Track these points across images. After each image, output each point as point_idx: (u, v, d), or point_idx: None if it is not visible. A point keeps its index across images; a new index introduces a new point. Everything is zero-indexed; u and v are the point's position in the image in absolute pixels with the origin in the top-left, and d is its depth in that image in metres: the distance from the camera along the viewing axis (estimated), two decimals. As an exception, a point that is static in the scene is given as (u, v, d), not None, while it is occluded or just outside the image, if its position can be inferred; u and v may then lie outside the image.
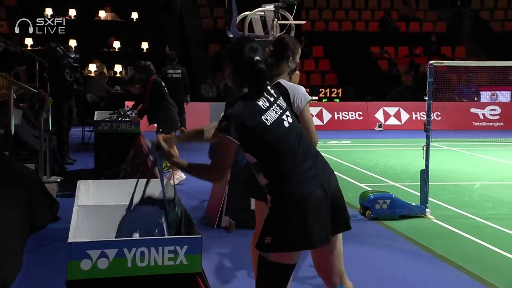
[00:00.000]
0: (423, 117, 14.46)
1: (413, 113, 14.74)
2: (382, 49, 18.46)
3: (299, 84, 3.41)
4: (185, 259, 2.40)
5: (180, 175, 7.60)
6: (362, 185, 7.57)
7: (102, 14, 16.53)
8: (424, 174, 6.01)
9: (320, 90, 15.53)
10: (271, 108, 2.56)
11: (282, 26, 5.51)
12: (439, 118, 14.23)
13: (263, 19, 5.61)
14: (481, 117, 14.87)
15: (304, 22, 6.76)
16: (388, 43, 18.67)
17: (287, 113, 2.62)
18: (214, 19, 18.92)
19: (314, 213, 2.48)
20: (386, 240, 5.23)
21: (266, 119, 2.51)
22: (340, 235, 2.69)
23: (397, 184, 7.77)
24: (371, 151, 11.06)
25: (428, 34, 19.19)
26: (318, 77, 17.20)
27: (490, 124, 14.73)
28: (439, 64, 6.29)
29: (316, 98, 15.53)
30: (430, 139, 6.07)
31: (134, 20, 17.13)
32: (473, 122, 14.72)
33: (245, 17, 5.56)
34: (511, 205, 6.67)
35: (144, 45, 16.38)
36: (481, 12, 20.58)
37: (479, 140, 11.57)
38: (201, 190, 7.10)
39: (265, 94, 2.58)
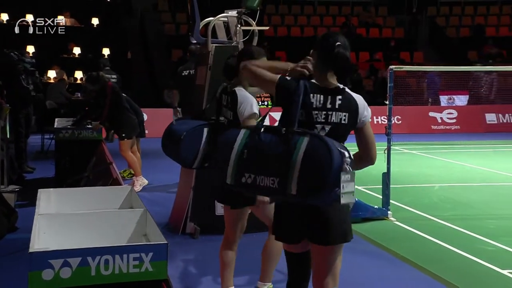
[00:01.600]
0: (384, 121, 14.72)
1: (374, 117, 14.99)
2: (343, 55, 18.71)
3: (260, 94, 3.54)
4: (151, 266, 2.38)
5: (143, 181, 7.53)
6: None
7: (61, 19, 16.22)
8: (386, 177, 6.12)
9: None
10: None
11: (245, 32, 5.53)
12: (400, 122, 14.52)
13: (226, 25, 5.62)
14: (439, 121, 15.24)
15: (267, 28, 6.79)
16: (350, 48, 18.94)
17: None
18: (177, 25, 18.83)
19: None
20: (349, 243, 5.28)
21: None
22: (331, 249, 2.65)
23: (359, 187, 7.88)
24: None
25: (387, 39, 19.58)
26: (280, 82, 17.30)
27: (448, 127, 15.12)
28: (399, 69, 6.43)
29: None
30: (391, 142, 6.19)
31: (95, 26, 16.89)
32: (432, 126, 15.08)
33: (208, 23, 5.56)
34: (467, 206, 6.86)
35: (105, 51, 16.17)
36: (437, 19, 21.14)
37: (438, 143, 11.87)
38: (165, 196, 7.05)
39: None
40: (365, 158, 2.76)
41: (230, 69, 3.58)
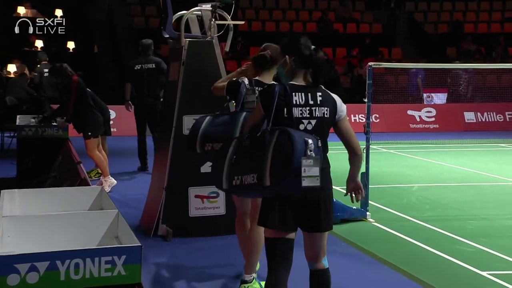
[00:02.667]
0: (362, 119, 14.89)
1: (352, 115, 15.13)
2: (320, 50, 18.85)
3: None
4: (123, 270, 2.38)
5: (111, 181, 7.48)
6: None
7: (21, 10, 15.94)
8: (365, 177, 6.19)
9: (258, 92, 15.67)
10: None
11: (220, 27, 5.54)
12: (378, 120, 14.70)
13: (200, 19, 5.62)
14: (418, 119, 15.48)
15: (242, 22, 6.82)
16: (326, 44, 19.09)
17: None
18: (146, 18, 18.69)
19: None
20: (327, 245, 5.35)
21: None
22: (322, 234, 3.24)
23: (337, 188, 7.92)
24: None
25: (365, 35, 19.79)
26: (255, 79, 17.34)
27: (426, 126, 15.37)
28: (377, 66, 6.52)
29: (254, 100, 15.64)
30: (370, 141, 6.27)
31: (58, 17, 16.63)
32: (410, 124, 15.30)
33: (181, 17, 5.55)
34: (446, 206, 6.99)
35: (70, 45, 15.95)
36: (415, 14, 21.44)
37: (416, 142, 12.05)
38: (135, 197, 7.02)
39: None
40: (352, 151, 3.25)
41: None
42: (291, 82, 3.16)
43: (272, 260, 3.11)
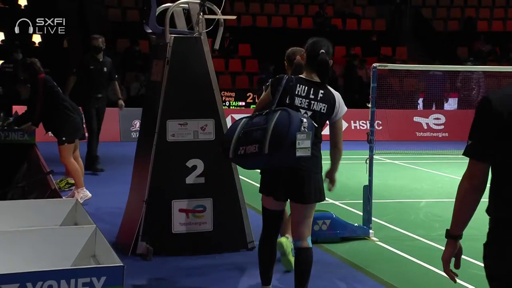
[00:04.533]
0: (363, 126, 14.99)
1: (352, 121, 15.19)
2: (317, 49, 18.94)
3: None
4: (104, 293, 2.38)
5: (85, 194, 7.46)
6: (297, 203, 7.74)
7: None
8: (368, 191, 6.23)
9: (248, 94, 15.74)
10: None
11: (209, 21, 5.56)
12: (380, 127, 14.78)
13: (187, 13, 5.64)
14: (425, 127, 15.58)
15: (234, 17, 6.85)
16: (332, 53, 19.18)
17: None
18: (123, 10, 18.71)
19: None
20: (326, 265, 5.38)
21: None
22: (305, 207, 4.16)
23: (336, 202, 8.00)
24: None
25: (367, 32, 19.92)
26: (245, 80, 17.42)
27: (435, 134, 15.47)
28: (383, 67, 6.57)
29: (243, 103, 15.69)
30: (374, 151, 6.31)
31: (22, 7, 16.55)
32: (417, 132, 15.40)
33: (166, 10, 5.56)
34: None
35: (36, 38, 15.88)
36: (422, 10, 21.63)
37: (424, 153, 12.14)
38: (112, 211, 7.00)
39: None
40: (334, 144, 4.23)
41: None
42: (300, 76, 4.17)
43: (264, 223, 4.35)
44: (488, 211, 2.50)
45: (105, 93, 9.73)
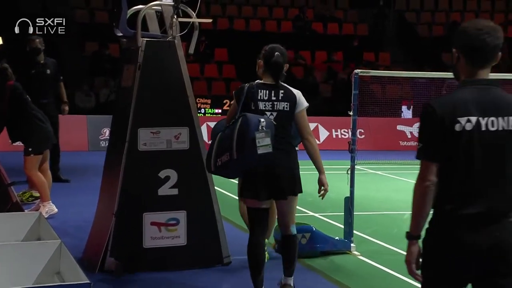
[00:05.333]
0: (345, 135, 15.08)
1: (333, 130, 15.29)
2: (297, 54, 19.07)
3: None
4: (69, 313, 2.36)
5: (51, 208, 7.38)
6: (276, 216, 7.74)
7: None
8: (349, 203, 6.26)
9: (224, 101, 15.74)
10: None
11: (183, 25, 5.56)
12: (363, 136, 14.88)
13: (160, 16, 5.64)
14: (409, 136, 15.71)
15: (209, 20, 6.87)
16: (304, 46, 19.32)
17: None
18: (91, 11, 18.63)
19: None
20: (306, 281, 5.39)
21: None
22: (287, 201, 4.72)
23: (316, 215, 8.02)
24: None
25: (348, 37, 20.09)
26: (221, 86, 17.43)
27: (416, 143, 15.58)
28: (365, 74, 6.63)
29: (220, 110, 15.69)
30: (356, 161, 6.35)
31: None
32: (400, 142, 15.52)
33: (137, 12, 5.55)
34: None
35: (-1, 40, 15.70)
36: (406, 14, 21.88)
37: (408, 163, 12.20)
38: (78, 224, 6.95)
39: None
40: (306, 139, 4.73)
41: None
42: (260, 81, 4.73)
43: (251, 223, 4.82)
44: (432, 205, 2.86)
45: (52, 98, 9.28)
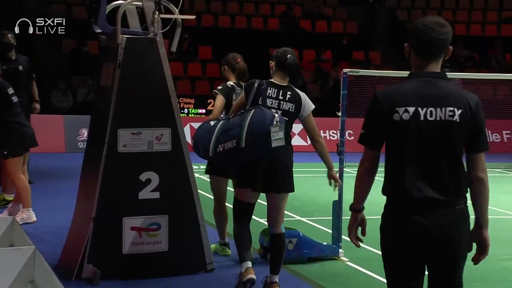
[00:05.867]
0: (334, 136, 15.13)
1: (322, 131, 15.30)
2: (284, 52, 19.10)
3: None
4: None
5: (29, 216, 7.34)
6: (261, 220, 7.74)
7: None
8: (337, 207, 6.27)
9: (209, 101, 15.73)
10: None
11: (166, 21, 5.55)
12: (352, 137, 14.91)
13: (141, 11, 5.62)
14: (400, 137, 15.76)
15: (193, 17, 6.86)
16: (291, 44, 19.30)
17: None
18: (68, 6, 18.56)
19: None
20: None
21: None
22: (279, 196, 5.13)
23: (304, 219, 8.03)
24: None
25: (338, 35, 20.16)
26: (205, 85, 17.41)
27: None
28: (354, 73, 6.65)
29: (204, 111, 15.67)
30: (344, 163, 6.36)
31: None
32: (390, 143, 15.56)
33: (117, 8, 5.54)
34: (436, 243, 7.13)
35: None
36: (397, 12, 22.00)
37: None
38: (54, 230, 6.91)
39: None
40: (315, 140, 5.26)
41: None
42: (270, 80, 5.18)
43: (238, 215, 5.23)
44: (382, 191, 3.29)
45: (26, 96, 9.13)
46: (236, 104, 5.26)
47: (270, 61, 5.25)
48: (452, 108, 3.09)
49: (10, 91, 7.24)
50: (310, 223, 7.85)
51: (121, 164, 5.44)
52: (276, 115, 4.84)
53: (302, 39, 19.66)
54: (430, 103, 3.10)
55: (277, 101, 5.08)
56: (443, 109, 3.09)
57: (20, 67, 9.00)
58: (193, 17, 7.08)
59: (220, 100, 5.87)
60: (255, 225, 7.56)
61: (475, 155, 3.14)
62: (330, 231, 6.47)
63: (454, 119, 3.08)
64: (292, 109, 5.10)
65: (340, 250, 6.31)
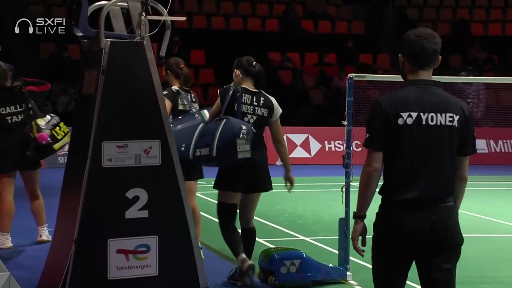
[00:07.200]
0: (339, 148, 15.12)
1: (326, 142, 15.32)
2: (284, 56, 19.16)
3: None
4: None
5: (4, 242, 7.31)
6: (261, 240, 7.75)
7: None
8: (344, 225, 6.27)
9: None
10: None
11: (153, 23, 5.56)
12: (359, 149, 14.91)
13: (126, 13, 5.64)
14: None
15: (183, 18, 6.88)
16: (292, 47, 19.39)
17: None
18: (47, 7, 18.60)
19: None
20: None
21: None
22: (258, 195, 6.22)
23: (307, 239, 8.03)
24: (272, 194, 11.28)
25: (342, 36, 20.19)
26: (198, 92, 17.26)
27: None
28: (360, 78, 6.68)
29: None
30: (351, 177, 6.37)
31: None
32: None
33: (100, 9, 5.56)
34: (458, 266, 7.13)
35: None
36: (407, 11, 22.04)
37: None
38: (31, 253, 6.93)
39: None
40: (279, 142, 6.31)
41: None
42: (243, 86, 6.11)
43: (225, 218, 6.17)
44: (380, 191, 3.72)
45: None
46: (213, 111, 6.16)
47: (235, 69, 6.15)
48: (451, 114, 3.65)
49: None
50: (315, 243, 7.85)
51: (106, 180, 5.44)
52: (244, 127, 5.80)
53: (303, 41, 19.72)
54: (431, 109, 3.65)
55: (252, 107, 6.06)
56: (443, 114, 3.65)
57: None
58: (184, 18, 7.09)
59: (167, 104, 6.32)
60: (255, 245, 7.59)
61: (465, 158, 3.75)
62: (337, 252, 6.47)
63: (454, 124, 3.65)
64: (265, 113, 6.13)
65: (348, 273, 6.31)
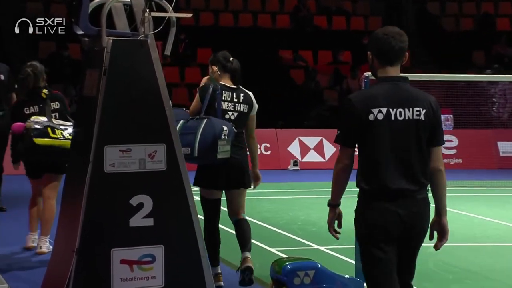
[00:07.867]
0: (355, 151, 15.09)
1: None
2: (296, 54, 19.15)
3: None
4: None
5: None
6: (273, 250, 7.77)
7: None
8: (361, 233, 6.27)
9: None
10: None
11: (158, 20, 5.58)
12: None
13: (129, 10, 5.66)
14: (452, 152, 15.69)
15: (189, 15, 6.91)
16: (304, 45, 19.39)
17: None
18: (46, 4, 18.68)
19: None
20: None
21: None
22: (240, 191, 6.55)
23: (322, 248, 8.01)
24: (284, 201, 11.22)
25: (358, 33, 20.17)
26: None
27: (445, 160, 15.56)
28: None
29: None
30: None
31: None
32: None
33: (101, 6, 5.59)
34: (478, 276, 7.10)
35: None
36: (428, 5, 22.00)
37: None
38: (31, 265, 6.95)
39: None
40: (252, 137, 6.64)
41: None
42: (222, 83, 6.41)
43: (210, 213, 6.55)
44: (357, 184, 4.17)
45: (7, 110, 9.21)
46: (192, 108, 6.49)
47: (212, 66, 6.47)
48: (418, 108, 4.09)
49: None
50: (330, 252, 7.84)
51: (109, 186, 5.46)
52: (225, 128, 6.11)
53: (316, 38, 19.70)
54: (399, 104, 4.08)
55: (232, 104, 6.40)
56: (411, 109, 4.08)
57: (2, 77, 9.01)
58: (190, 15, 7.12)
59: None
60: (266, 254, 7.61)
61: (435, 149, 4.20)
62: (353, 262, 6.46)
63: (420, 117, 4.09)
64: (245, 109, 6.49)
65: (365, 284, 6.30)
